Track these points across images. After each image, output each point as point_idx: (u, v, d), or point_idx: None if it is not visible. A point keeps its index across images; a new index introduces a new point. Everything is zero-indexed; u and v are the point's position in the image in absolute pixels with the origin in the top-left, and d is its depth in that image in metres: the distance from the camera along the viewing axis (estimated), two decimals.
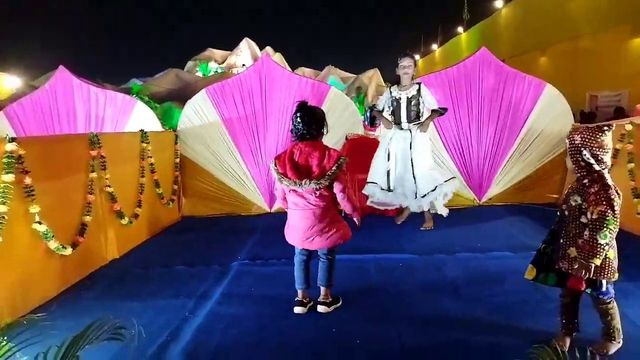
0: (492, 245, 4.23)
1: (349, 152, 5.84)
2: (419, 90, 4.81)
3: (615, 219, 2.13)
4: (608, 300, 2.34)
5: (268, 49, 23.44)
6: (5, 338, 1.89)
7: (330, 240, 2.96)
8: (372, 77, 20.38)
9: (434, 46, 29.39)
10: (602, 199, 2.16)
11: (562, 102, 5.91)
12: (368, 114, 13.10)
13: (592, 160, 2.22)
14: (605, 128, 2.25)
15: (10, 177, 3.03)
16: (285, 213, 5.91)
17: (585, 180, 2.27)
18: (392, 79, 5.10)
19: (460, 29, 23.82)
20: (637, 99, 9.69)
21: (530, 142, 5.92)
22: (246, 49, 22.88)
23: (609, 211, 2.13)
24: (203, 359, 2.48)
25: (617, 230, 2.17)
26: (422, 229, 4.94)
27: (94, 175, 4.08)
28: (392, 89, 4.97)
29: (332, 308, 3.04)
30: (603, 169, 2.23)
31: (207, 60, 22.51)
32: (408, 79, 4.86)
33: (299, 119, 2.84)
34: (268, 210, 6.15)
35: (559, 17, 13.36)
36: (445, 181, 4.83)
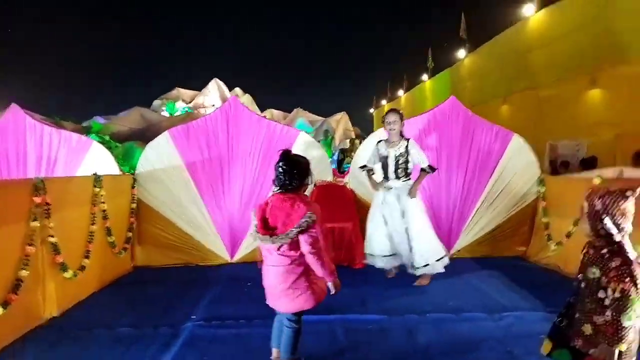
0: (464, 304, 4.02)
1: (318, 198, 5.65)
2: (407, 147, 4.70)
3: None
4: None
5: (237, 90, 23.49)
6: None
7: (295, 305, 2.69)
8: (340, 121, 20.66)
9: (400, 92, 30.20)
10: (625, 275, 1.96)
11: (528, 153, 5.93)
12: (336, 157, 13.10)
13: (613, 230, 2.04)
14: (629, 192, 2.07)
15: None
16: (245, 263, 5.62)
17: (605, 251, 2.07)
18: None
19: (425, 77, 24.60)
20: (594, 148, 9.99)
21: (498, 193, 5.88)
22: (215, 89, 22.85)
23: (632, 289, 1.93)
24: None
25: None
26: (416, 284, 4.68)
27: (35, 224, 3.68)
28: (379, 145, 4.86)
29: None
30: (623, 236, 2.06)
31: (175, 99, 22.32)
32: (395, 134, 4.74)
33: (280, 169, 2.65)
34: (229, 260, 5.80)
35: (520, 66, 13.91)
36: (437, 260, 4.65)
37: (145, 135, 12.05)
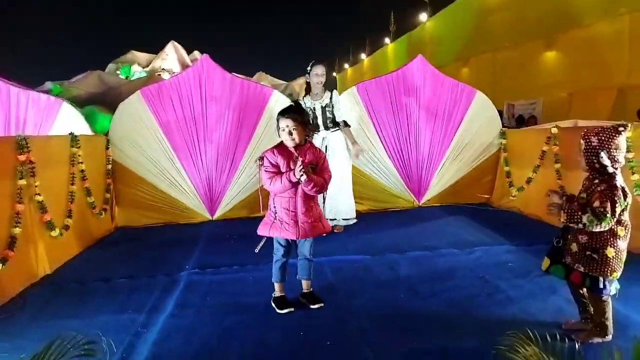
0: (437, 243, 4.38)
1: None
2: (331, 97, 4.96)
3: (611, 219, 2.21)
4: (603, 298, 2.37)
5: (196, 53, 22.71)
6: None
7: None
8: (303, 85, 20.52)
9: (363, 55, 30.26)
10: (606, 197, 2.22)
11: (490, 108, 6.30)
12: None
13: (607, 163, 2.26)
14: (621, 128, 2.27)
15: None
16: (226, 220, 5.82)
17: (596, 180, 2.33)
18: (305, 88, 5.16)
19: (387, 40, 24.73)
20: (549, 107, 10.60)
21: (463, 145, 6.24)
22: (172, 52, 21.91)
23: (608, 208, 2.20)
24: None
25: (611, 228, 2.25)
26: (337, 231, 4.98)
27: (22, 182, 3.71)
28: (305, 100, 5.01)
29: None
30: (616, 168, 2.29)
31: (130, 63, 21.30)
32: (321, 87, 4.94)
33: None
34: (210, 218, 5.94)
35: (480, 30, 14.32)
36: (344, 219, 5.06)
37: (105, 99, 11.64)
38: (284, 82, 20.64)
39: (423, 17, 19.49)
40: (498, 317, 2.80)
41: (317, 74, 4.84)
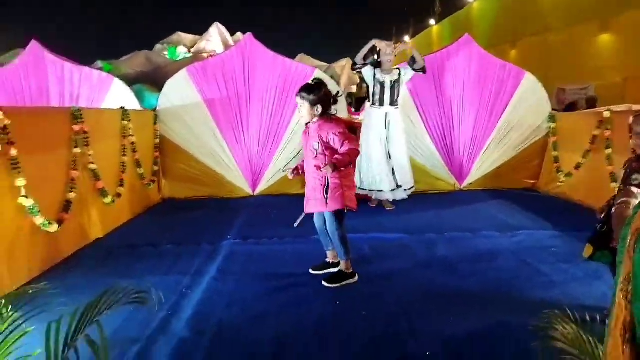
0: (478, 225, 4.33)
1: None
2: (399, 74, 5.06)
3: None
4: None
5: (239, 35, 22.92)
6: (11, 307, 1.79)
7: None
8: (345, 67, 20.33)
9: (406, 38, 29.71)
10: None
11: (540, 91, 6.07)
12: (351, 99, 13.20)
13: None
14: None
15: None
16: (267, 196, 5.94)
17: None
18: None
19: (432, 22, 24.15)
20: (601, 91, 10.09)
21: (509, 129, 6.07)
22: (216, 34, 22.22)
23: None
24: (209, 333, 2.44)
25: None
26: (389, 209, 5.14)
27: (77, 150, 3.92)
28: (376, 72, 5.05)
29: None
30: None
31: (176, 44, 21.81)
32: (391, 64, 5.05)
33: None
34: (251, 193, 6.09)
35: (530, 10, 13.72)
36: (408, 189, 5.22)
37: (153, 78, 12.03)
38: (326, 64, 20.63)
39: None
40: (539, 299, 2.75)
41: (387, 52, 5.00)
